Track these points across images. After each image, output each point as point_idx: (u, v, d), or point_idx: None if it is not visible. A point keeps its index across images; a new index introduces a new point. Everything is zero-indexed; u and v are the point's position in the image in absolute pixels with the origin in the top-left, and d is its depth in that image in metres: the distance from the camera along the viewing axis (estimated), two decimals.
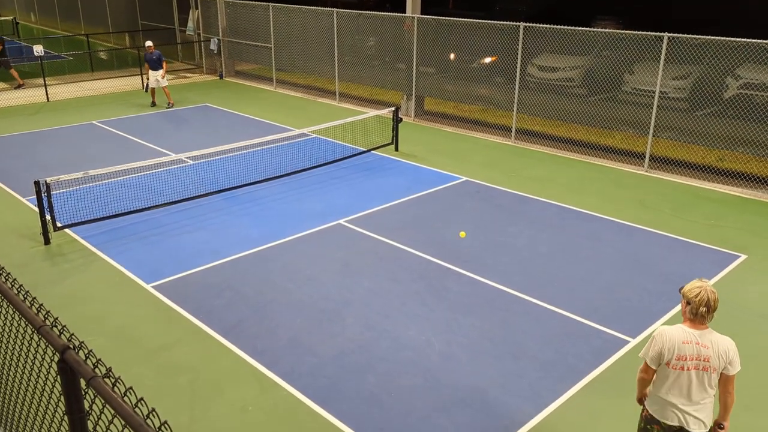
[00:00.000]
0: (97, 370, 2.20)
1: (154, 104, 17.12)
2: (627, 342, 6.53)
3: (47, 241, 8.80)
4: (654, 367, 4.17)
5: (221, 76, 21.48)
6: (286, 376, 6.02)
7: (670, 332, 4.12)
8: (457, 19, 14.54)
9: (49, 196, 8.66)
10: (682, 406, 4.14)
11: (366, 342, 6.55)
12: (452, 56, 15.30)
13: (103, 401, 2.10)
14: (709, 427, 4.24)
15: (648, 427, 4.33)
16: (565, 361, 6.25)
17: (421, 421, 5.43)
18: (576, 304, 7.27)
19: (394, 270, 8.09)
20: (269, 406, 5.63)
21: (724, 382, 4.12)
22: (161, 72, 16.58)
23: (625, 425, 5.38)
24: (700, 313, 4.03)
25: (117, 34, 28.72)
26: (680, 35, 11.19)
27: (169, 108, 16.90)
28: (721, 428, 4.31)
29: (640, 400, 4.42)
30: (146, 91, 17.33)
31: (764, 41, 10.42)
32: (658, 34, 11.44)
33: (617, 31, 12.45)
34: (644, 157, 12.15)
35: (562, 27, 12.73)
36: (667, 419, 4.19)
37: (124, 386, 2.16)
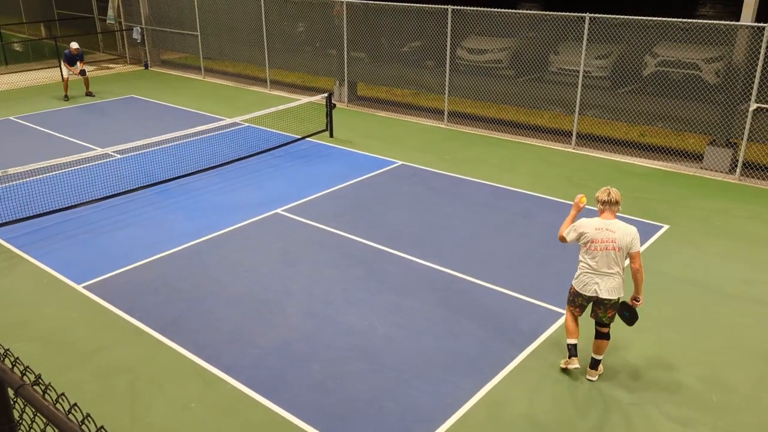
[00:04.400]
0: (25, 377, 2.13)
1: (67, 98, 16.39)
2: (562, 314, 6.77)
3: None
4: (569, 240, 5.64)
5: (146, 66, 20.77)
6: (229, 369, 5.96)
7: (588, 221, 5.54)
8: (386, 2, 14.53)
9: None
10: (597, 278, 5.46)
11: (309, 330, 6.55)
12: (383, 41, 15.30)
13: (33, 410, 2.04)
14: (617, 298, 5.50)
15: (573, 299, 5.70)
16: (504, 337, 6.43)
17: (367, 405, 5.50)
18: (512, 281, 7.48)
19: (334, 256, 8.10)
20: (212, 402, 5.57)
21: (633, 259, 5.44)
22: (80, 65, 16.16)
23: (562, 394, 5.61)
24: (606, 201, 5.49)
25: (31, 25, 27.28)
26: (601, 15, 11.56)
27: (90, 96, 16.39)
28: (637, 301, 5.57)
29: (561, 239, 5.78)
30: (83, 75, 16.49)
31: (678, 20, 10.91)
32: (580, 14, 11.78)
33: (541, 12, 12.75)
34: (571, 135, 12.54)
35: (488, 9, 12.93)
36: (586, 291, 5.53)
37: (56, 393, 2.09)
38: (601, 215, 5.55)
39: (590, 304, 5.66)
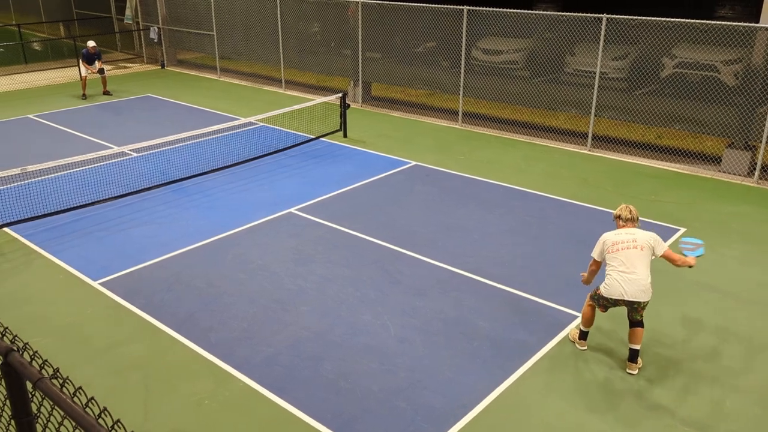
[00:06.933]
0: (43, 371, 2.16)
1: (85, 96, 16.52)
2: (575, 317, 6.74)
3: None
4: (600, 260, 5.80)
5: (163, 66, 20.92)
6: (241, 367, 5.98)
7: (608, 233, 5.80)
8: (401, 3, 14.53)
9: None
10: (621, 280, 5.54)
11: (321, 329, 6.57)
12: (397, 41, 15.30)
13: (51, 403, 2.06)
14: (644, 303, 5.60)
15: (597, 298, 5.83)
16: (517, 338, 6.41)
17: (378, 404, 5.50)
18: (525, 282, 7.45)
19: (347, 256, 8.11)
20: (225, 398, 5.60)
21: (668, 259, 5.70)
22: (98, 64, 16.30)
23: (576, 397, 5.58)
24: (629, 218, 5.75)
25: (51, 24, 27.58)
26: (618, 16, 11.48)
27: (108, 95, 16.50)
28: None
29: (587, 282, 6.12)
30: (101, 73, 16.58)
31: (697, 21, 10.80)
32: (596, 15, 11.70)
33: (558, 13, 12.68)
34: (587, 136, 12.46)
35: (504, 10, 12.89)
36: (612, 295, 5.62)
37: (73, 386, 2.11)
38: (623, 228, 5.86)
39: (617, 307, 5.82)
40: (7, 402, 2.35)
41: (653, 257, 5.65)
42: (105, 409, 2.00)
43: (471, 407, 5.45)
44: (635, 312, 5.70)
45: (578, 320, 6.47)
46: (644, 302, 5.60)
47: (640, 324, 5.78)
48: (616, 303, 5.69)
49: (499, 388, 5.69)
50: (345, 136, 13.13)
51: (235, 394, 5.64)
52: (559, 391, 5.66)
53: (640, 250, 5.56)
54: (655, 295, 7.14)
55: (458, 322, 6.68)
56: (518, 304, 7.03)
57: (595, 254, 5.84)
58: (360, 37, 15.43)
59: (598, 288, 5.84)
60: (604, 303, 5.80)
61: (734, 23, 10.63)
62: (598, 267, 5.92)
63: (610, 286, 5.63)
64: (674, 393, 5.63)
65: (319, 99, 13.81)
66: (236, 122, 12.06)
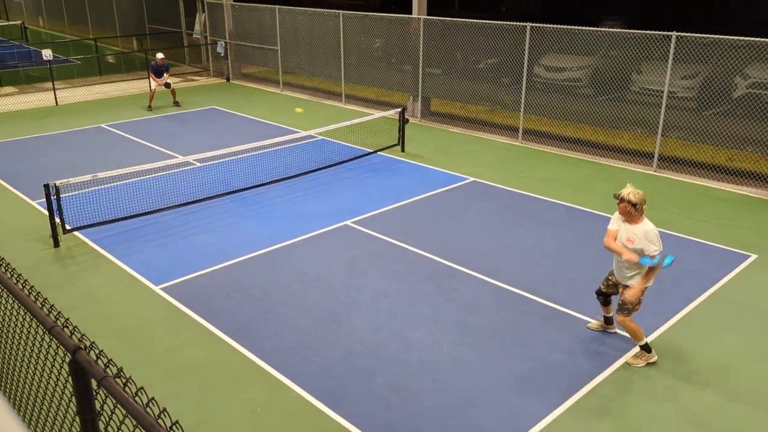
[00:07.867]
0: (108, 370, 2.21)
1: (150, 108, 17.10)
2: (635, 344, 6.48)
3: (57, 244, 8.84)
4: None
5: (228, 79, 21.55)
6: (294, 377, 6.02)
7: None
8: (464, 19, 14.52)
9: (58, 199, 8.70)
10: None
11: (374, 343, 6.55)
12: (458, 57, 15.28)
13: (114, 401, 2.11)
14: None
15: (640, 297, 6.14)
16: (574, 362, 6.22)
17: (430, 422, 5.42)
18: (584, 305, 7.24)
19: (402, 271, 8.08)
20: (277, 408, 5.64)
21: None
22: (166, 76, 16.88)
23: (633, 426, 5.35)
24: (644, 210, 5.98)
25: (125, 38, 28.87)
26: (688, 34, 11.13)
27: (176, 106, 17.09)
28: None
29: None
30: (168, 87, 17.15)
31: None
32: (665, 33, 11.38)
33: (625, 30, 12.40)
34: (653, 156, 12.09)
35: (568, 27, 12.70)
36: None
37: (135, 386, 2.16)
38: (644, 216, 6.13)
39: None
40: (73, 399, 2.42)
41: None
42: (164, 409, 2.04)
43: (525, 431, 5.30)
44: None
45: (636, 348, 6.23)
46: None
47: None
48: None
49: (554, 412, 5.53)
50: (403, 150, 13.16)
51: (287, 404, 5.68)
52: (615, 420, 5.45)
53: None
54: (719, 325, 6.84)
55: (514, 343, 6.54)
56: (576, 327, 6.83)
57: (661, 246, 5.96)
58: (421, 53, 15.49)
59: (632, 306, 6.09)
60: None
61: None
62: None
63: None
64: (746, 426, 5.33)
65: (378, 113, 13.91)
66: (296, 135, 12.26)
